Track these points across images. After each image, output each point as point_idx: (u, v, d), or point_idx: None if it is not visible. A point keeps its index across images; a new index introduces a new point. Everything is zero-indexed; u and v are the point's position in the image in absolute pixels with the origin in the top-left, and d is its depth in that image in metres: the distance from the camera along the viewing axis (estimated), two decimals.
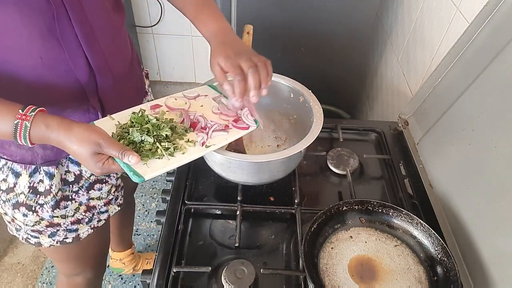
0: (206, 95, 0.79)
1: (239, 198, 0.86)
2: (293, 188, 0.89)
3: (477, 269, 0.68)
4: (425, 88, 0.94)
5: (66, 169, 0.78)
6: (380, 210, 0.77)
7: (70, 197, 0.81)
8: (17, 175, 0.74)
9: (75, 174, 0.79)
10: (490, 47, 0.74)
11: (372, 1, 1.30)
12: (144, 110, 0.69)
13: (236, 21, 1.34)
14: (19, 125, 0.56)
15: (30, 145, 0.58)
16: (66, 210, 0.81)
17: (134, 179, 0.58)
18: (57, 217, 0.80)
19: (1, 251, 1.62)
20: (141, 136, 0.63)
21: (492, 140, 0.69)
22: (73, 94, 0.70)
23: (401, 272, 0.70)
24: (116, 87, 0.76)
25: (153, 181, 1.94)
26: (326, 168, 0.97)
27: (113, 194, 0.90)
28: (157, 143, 0.63)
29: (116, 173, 0.88)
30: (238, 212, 0.83)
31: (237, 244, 0.78)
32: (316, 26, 1.35)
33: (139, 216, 1.79)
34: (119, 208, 0.94)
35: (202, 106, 0.76)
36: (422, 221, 0.73)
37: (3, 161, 0.73)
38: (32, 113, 0.56)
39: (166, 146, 0.63)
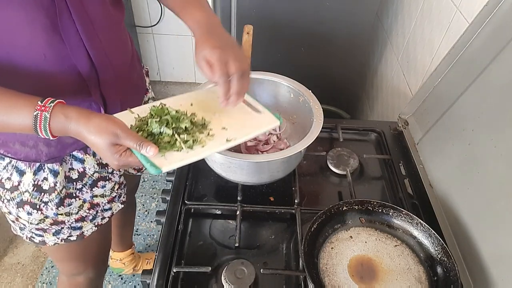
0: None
1: (239, 198, 0.86)
2: (293, 188, 0.89)
3: (477, 269, 0.68)
4: (425, 88, 0.94)
5: (70, 167, 0.78)
6: (380, 210, 0.77)
7: (74, 195, 0.81)
8: (21, 173, 0.74)
9: (78, 172, 0.79)
10: (490, 47, 0.74)
11: (372, 1, 1.30)
12: (165, 104, 0.68)
13: (236, 21, 1.34)
14: (38, 116, 0.55)
15: (52, 138, 0.57)
16: (70, 208, 0.81)
17: (151, 171, 0.57)
18: (62, 214, 0.80)
19: (1, 251, 1.62)
20: (159, 128, 0.62)
21: (492, 140, 0.69)
22: (75, 89, 0.70)
23: (401, 272, 0.70)
24: (118, 81, 0.76)
25: (153, 181, 1.94)
26: (326, 168, 0.97)
27: (116, 191, 0.90)
28: (175, 135, 0.62)
29: (119, 171, 0.88)
30: (238, 212, 0.83)
31: (237, 244, 0.78)
32: (316, 26, 1.36)
33: (139, 216, 1.78)
34: (122, 206, 0.94)
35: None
36: (422, 221, 0.73)
37: (7, 160, 0.73)
38: (51, 104, 0.56)
39: (185, 139, 0.62)
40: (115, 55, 0.75)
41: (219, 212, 0.88)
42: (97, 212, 0.88)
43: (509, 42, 0.68)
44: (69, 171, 0.78)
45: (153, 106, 0.67)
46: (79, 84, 0.70)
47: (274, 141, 0.95)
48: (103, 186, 0.85)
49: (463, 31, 0.80)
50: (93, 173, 0.82)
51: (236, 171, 0.80)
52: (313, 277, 0.66)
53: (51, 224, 0.81)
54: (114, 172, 0.87)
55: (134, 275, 1.57)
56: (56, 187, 0.76)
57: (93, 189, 0.84)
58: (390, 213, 0.77)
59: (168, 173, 0.97)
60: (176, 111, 0.66)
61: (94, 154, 0.81)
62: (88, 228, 0.88)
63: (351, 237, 0.75)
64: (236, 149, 0.89)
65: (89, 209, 0.85)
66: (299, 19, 1.34)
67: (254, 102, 0.73)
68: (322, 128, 0.79)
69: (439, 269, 0.69)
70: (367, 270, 0.70)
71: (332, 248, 0.73)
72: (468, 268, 0.71)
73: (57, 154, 0.74)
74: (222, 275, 0.72)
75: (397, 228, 0.76)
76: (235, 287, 0.69)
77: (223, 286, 0.71)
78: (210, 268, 0.74)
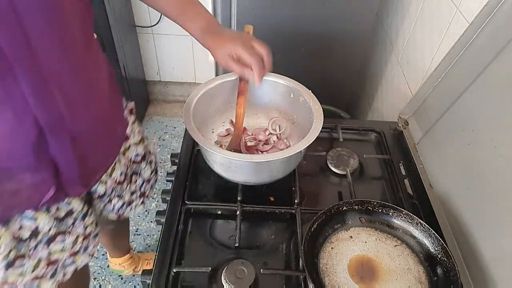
0: None
1: (239, 198, 0.86)
2: (293, 188, 0.89)
3: (477, 269, 0.68)
4: (425, 88, 0.94)
5: (19, 226, 0.66)
6: (380, 210, 0.77)
7: (27, 255, 0.69)
8: None
9: (30, 229, 0.68)
10: (490, 47, 0.74)
11: (372, 1, 1.30)
12: None
13: (236, 21, 1.34)
14: None
15: None
16: (24, 268, 0.70)
17: None
18: (13, 275, 0.69)
19: None
20: None
21: (492, 140, 0.69)
22: (19, 155, 0.58)
23: (401, 272, 0.70)
24: (77, 146, 0.63)
25: None
26: (326, 168, 0.97)
27: (81, 243, 0.78)
28: None
29: (85, 221, 0.77)
30: (238, 212, 0.83)
31: (237, 244, 0.78)
32: (316, 26, 1.36)
33: (139, 216, 1.79)
34: (90, 258, 0.83)
35: None
36: (422, 221, 0.73)
37: None
38: None
39: None
40: (78, 115, 0.61)
41: (219, 212, 0.88)
42: (56, 268, 0.76)
43: (509, 42, 0.68)
44: (18, 230, 0.66)
45: None
46: (23, 150, 0.58)
47: (274, 141, 0.95)
48: (63, 241, 0.74)
49: (463, 31, 0.80)
50: (49, 230, 0.70)
51: (236, 171, 0.80)
52: (313, 277, 0.66)
53: (2, 283, 0.69)
54: (77, 223, 0.75)
55: (134, 275, 1.57)
56: (0, 250, 0.64)
57: (50, 245, 0.72)
58: (390, 213, 0.77)
59: (168, 173, 0.98)
60: None
61: (48, 210, 0.69)
62: (47, 287, 0.76)
63: (351, 237, 0.75)
64: (236, 149, 0.89)
65: (47, 265, 0.74)
66: (299, 19, 1.34)
67: None
68: (322, 128, 0.79)
69: (439, 269, 0.69)
70: (367, 270, 0.70)
71: (332, 248, 0.73)
72: (468, 268, 0.71)
73: (0, 214, 0.63)
74: (222, 275, 0.72)
75: (397, 228, 0.76)
76: (235, 287, 0.69)
77: (223, 286, 0.71)
78: (210, 268, 0.74)
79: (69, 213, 0.73)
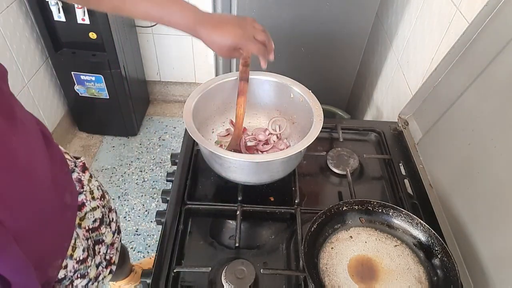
0: None
1: (239, 198, 0.86)
2: (293, 188, 0.89)
3: (477, 269, 0.68)
4: (425, 88, 0.94)
5: None
6: (380, 210, 0.77)
7: None
8: None
9: None
10: (490, 47, 0.74)
11: (372, 1, 1.30)
12: None
13: None
14: None
15: None
16: None
17: None
18: None
19: None
20: None
21: (492, 140, 0.69)
22: None
23: (401, 272, 0.70)
24: (26, 244, 0.52)
25: (153, 181, 1.94)
26: (326, 168, 0.97)
27: None
28: None
29: None
30: (238, 212, 0.83)
31: (237, 244, 0.78)
32: (316, 27, 1.36)
33: (139, 216, 1.79)
34: None
35: None
36: (422, 221, 0.73)
37: None
38: None
39: None
40: (21, 205, 0.50)
41: (219, 212, 0.88)
42: None
43: (509, 42, 0.68)
44: None
45: None
46: None
47: (274, 141, 0.95)
48: None
49: (463, 31, 0.80)
50: None
51: (236, 171, 0.80)
52: (313, 277, 0.66)
53: None
54: None
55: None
56: None
57: None
58: (390, 213, 0.77)
59: (168, 173, 0.98)
60: None
61: None
62: None
63: (351, 237, 0.75)
64: (236, 149, 0.89)
65: None
66: (299, 20, 1.34)
67: None
68: (322, 128, 0.79)
69: (439, 269, 0.69)
70: (367, 270, 0.70)
71: (332, 248, 0.73)
72: (468, 268, 0.71)
73: None
74: (222, 275, 0.72)
75: (397, 228, 0.76)
76: (235, 287, 0.69)
77: (223, 286, 0.71)
78: (210, 268, 0.74)
79: None
